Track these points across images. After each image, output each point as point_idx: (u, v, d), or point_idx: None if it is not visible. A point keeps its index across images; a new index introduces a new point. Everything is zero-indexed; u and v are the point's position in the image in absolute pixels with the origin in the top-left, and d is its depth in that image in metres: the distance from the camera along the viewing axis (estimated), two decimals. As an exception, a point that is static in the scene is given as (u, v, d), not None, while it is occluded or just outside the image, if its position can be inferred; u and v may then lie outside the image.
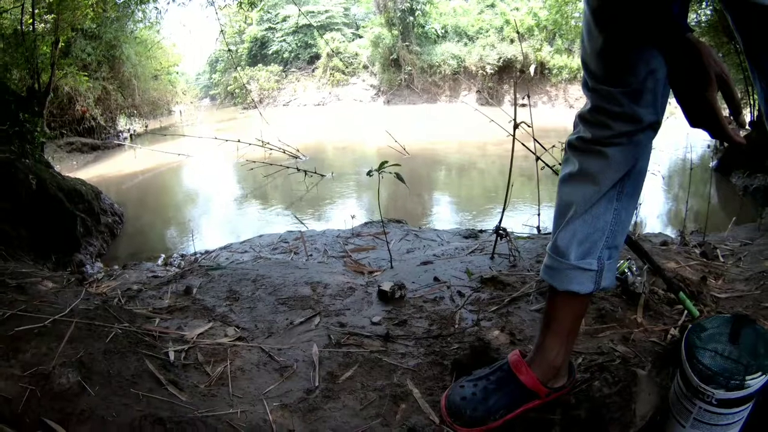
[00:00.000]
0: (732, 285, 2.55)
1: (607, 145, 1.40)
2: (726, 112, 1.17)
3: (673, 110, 1.21)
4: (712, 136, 1.16)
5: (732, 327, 1.29)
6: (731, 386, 1.19)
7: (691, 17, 9.03)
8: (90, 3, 9.01)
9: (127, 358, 1.76)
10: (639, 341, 1.95)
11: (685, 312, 2.14)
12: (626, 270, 2.32)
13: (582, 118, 1.45)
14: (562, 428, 1.47)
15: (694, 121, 1.16)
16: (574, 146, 1.47)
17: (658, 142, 2.05)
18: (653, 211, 6.72)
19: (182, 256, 4.91)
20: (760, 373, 1.20)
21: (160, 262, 4.67)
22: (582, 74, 1.45)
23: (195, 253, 4.78)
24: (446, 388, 1.64)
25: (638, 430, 1.34)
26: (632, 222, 4.08)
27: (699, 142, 10.65)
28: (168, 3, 11.18)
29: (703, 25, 8.99)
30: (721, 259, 3.01)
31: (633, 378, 1.46)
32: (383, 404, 1.64)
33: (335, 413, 1.61)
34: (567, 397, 1.57)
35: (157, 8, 12.59)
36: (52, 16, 8.81)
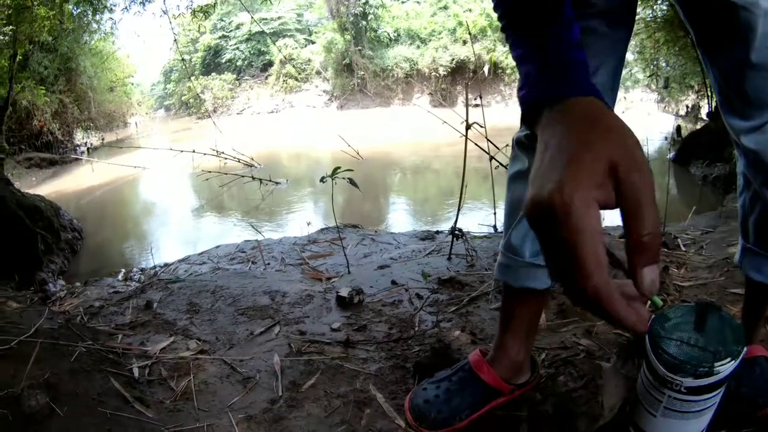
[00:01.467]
0: (695, 273, 2.58)
1: None
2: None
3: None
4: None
5: (696, 315, 1.29)
6: (699, 374, 1.19)
7: (647, 13, 9.09)
8: (47, 15, 8.81)
9: (92, 376, 1.73)
10: (602, 334, 1.96)
11: (648, 302, 2.15)
12: (584, 264, 2.32)
13: None
14: (530, 425, 1.46)
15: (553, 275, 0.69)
16: (522, 143, 1.44)
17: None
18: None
19: (142, 270, 4.82)
20: (729, 359, 1.19)
21: (120, 277, 4.58)
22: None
23: (154, 267, 4.70)
24: (409, 391, 1.62)
25: (607, 422, 1.34)
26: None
27: (656, 134, 10.81)
28: (123, 12, 10.96)
29: (658, 20, 9.07)
30: (683, 248, 3.04)
31: (598, 371, 1.45)
32: (348, 410, 1.62)
33: (300, 422, 1.59)
34: (533, 394, 1.57)
35: (112, 18, 12.36)
36: (10, 28, 8.57)
